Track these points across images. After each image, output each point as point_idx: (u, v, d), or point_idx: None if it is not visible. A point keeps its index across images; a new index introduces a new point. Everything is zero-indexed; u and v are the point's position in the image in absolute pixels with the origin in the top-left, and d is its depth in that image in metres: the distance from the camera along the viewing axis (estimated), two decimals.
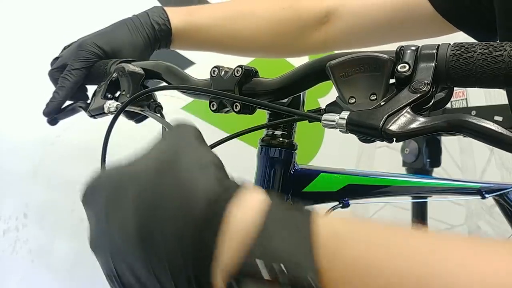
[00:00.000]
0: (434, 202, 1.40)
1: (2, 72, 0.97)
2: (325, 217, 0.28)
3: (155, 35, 0.65)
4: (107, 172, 0.32)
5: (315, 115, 0.41)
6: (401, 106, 0.36)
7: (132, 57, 0.63)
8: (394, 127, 0.36)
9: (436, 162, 1.29)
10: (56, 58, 0.66)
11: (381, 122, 0.36)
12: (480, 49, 0.35)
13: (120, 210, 0.29)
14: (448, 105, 1.29)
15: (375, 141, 0.39)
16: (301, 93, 0.51)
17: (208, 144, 0.52)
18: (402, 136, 0.36)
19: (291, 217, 0.27)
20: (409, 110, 0.36)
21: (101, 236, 0.31)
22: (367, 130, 0.37)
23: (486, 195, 0.88)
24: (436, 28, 0.66)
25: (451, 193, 0.86)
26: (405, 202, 1.37)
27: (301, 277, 0.25)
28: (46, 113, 0.63)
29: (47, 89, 0.97)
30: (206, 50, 0.74)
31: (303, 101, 0.52)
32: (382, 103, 0.37)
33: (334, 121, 0.39)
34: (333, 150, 1.52)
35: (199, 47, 0.72)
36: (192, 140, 0.32)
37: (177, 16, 0.67)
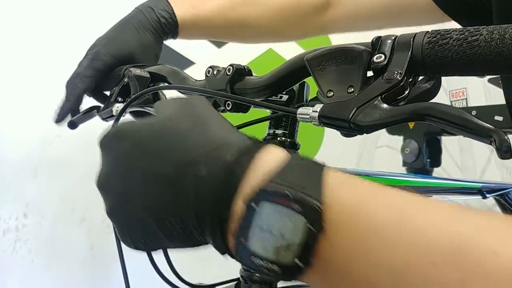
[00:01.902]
0: None
1: (2, 72, 0.97)
2: (335, 170, 0.31)
3: (162, 29, 0.66)
4: (132, 123, 0.35)
5: (291, 109, 0.41)
6: (372, 97, 0.36)
7: (144, 54, 0.64)
8: (362, 118, 0.35)
9: (436, 162, 1.29)
10: None
11: (351, 114, 0.36)
12: (456, 35, 0.34)
13: (148, 155, 0.32)
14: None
15: (355, 135, 0.39)
16: (304, 90, 0.51)
17: None
18: (369, 127, 0.35)
19: (307, 164, 0.32)
20: (379, 101, 0.35)
21: (117, 177, 0.34)
22: (337, 122, 0.37)
23: (487, 195, 0.88)
24: (434, 17, 0.68)
25: (453, 193, 0.86)
26: None
27: (308, 201, 0.28)
28: (56, 120, 0.65)
29: (47, 89, 0.97)
30: (212, 38, 0.77)
31: (307, 98, 0.52)
32: (356, 95, 0.37)
33: (307, 115, 0.39)
34: (333, 149, 1.52)
35: (205, 36, 0.75)
36: (210, 107, 0.36)
37: (182, 8, 0.67)
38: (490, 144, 0.31)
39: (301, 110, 0.40)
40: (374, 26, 0.75)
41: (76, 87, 0.62)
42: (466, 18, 0.63)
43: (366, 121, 0.35)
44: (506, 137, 0.30)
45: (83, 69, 0.63)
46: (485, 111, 1.12)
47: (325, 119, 0.38)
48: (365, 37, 0.43)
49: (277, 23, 0.73)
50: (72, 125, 0.68)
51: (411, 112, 0.34)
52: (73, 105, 0.63)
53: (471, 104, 1.26)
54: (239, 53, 1.26)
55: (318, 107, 0.38)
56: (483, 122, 0.31)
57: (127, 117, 0.60)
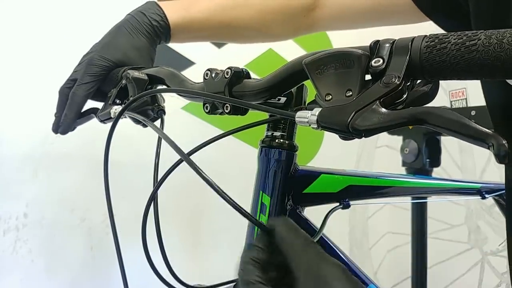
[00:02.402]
0: (433, 202, 1.41)
1: (3, 72, 0.97)
2: None
3: (155, 32, 0.66)
4: None
5: (290, 113, 0.41)
6: (370, 101, 0.36)
7: (139, 57, 0.64)
8: (360, 122, 0.35)
9: (436, 162, 1.29)
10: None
11: (349, 118, 0.36)
12: (454, 39, 0.34)
13: None
14: (448, 105, 1.29)
15: (353, 138, 0.39)
16: (303, 93, 0.51)
17: (203, 141, 0.53)
18: (368, 131, 0.35)
19: None
20: (378, 105, 0.35)
21: None
22: (336, 127, 0.37)
23: (486, 195, 0.88)
24: (416, 17, 0.68)
25: (451, 194, 0.87)
26: (405, 202, 1.38)
27: None
28: (61, 131, 0.65)
29: (47, 89, 0.97)
30: (203, 40, 0.78)
31: (305, 101, 0.52)
32: (355, 99, 0.37)
33: (306, 118, 0.39)
34: (332, 150, 1.52)
35: (197, 38, 0.75)
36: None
37: (174, 12, 0.68)
38: (488, 148, 0.31)
39: (299, 113, 0.40)
40: (359, 26, 0.78)
41: (76, 95, 0.62)
42: (444, 18, 0.64)
43: (364, 125, 0.35)
44: (504, 142, 0.30)
45: (80, 76, 0.63)
46: (485, 111, 1.11)
47: (324, 123, 0.38)
48: (363, 39, 0.43)
49: (267, 24, 0.75)
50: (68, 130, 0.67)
51: (409, 116, 0.34)
52: (76, 115, 0.63)
53: (471, 104, 1.26)
54: (239, 54, 1.26)
55: (317, 111, 0.38)
56: (481, 127, 0.31)
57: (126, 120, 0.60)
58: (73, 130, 0.66)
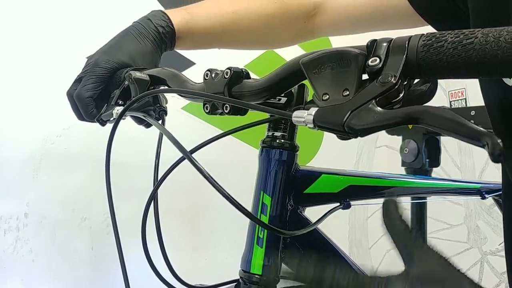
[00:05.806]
0: (433, 202, 1.41)
1: (4, 72, 0.97)
2: None
3: (161, 38, 0.67)
4: None
5: (286, 112, 0.41)
6: (366, 100, 0.36)
7: (143, 62, 0.65)
8: (356, 122, 0.35)
9: (435, 162, 1.29)
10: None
11: (345, 117, 0.36)
12: (451, 37, 0.33)
13: None
14: (447, 106, 1.29)
15: (350, 138, 0.39)
16: (304, 93, 0.52)
17: (203, 141, 0.53)
18: (363, 130, 0.35)
19: None
20: (374, 104, 0.35)
21: None
22: (332, 126, 0.37)
23: (486, 195, 0.88)
24: (415, 22, 0.68)
25: (451, 193, 0.87)
26: (405, 202, 1.38)
27: None
28: (101, 124, 0.64)
29: (49, 90, 0.97)
30: (206, 47, 0.78)
31: (305, 101, 0.52)
32: (351, 98, 0.37)
33: (303, 118, 0.39)
34: (332, 150, 1.52)
35: (200, 45, 0.76)
36: None
37: (177, 18, 0.69)
38: (483, 147, 0.31)
39: (296, 113, 0.40)
40: (359, 31, 0.78)
41: (79, 97, 0.62)
42: (445, 26, 0.64)
43: (360, 124, 0.35)
44: (498, 141, 0.30)
45: (85, 77, 0.63)
46: (484, 112, 1.11)
47: (320, 123, 0.38)
48: (362, 40, 0.43)
49: (267, 29, 0.76)
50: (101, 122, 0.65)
51: (405, 115, 0.34)
52: (84, 114, 0.63)
53: (470, 104, 1.26)
54: (239, 54, 1.26)
55: (313, 110, 0.39)
56: (476, 126, 0.31)
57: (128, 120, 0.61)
58: (104, 124, 0.64)
